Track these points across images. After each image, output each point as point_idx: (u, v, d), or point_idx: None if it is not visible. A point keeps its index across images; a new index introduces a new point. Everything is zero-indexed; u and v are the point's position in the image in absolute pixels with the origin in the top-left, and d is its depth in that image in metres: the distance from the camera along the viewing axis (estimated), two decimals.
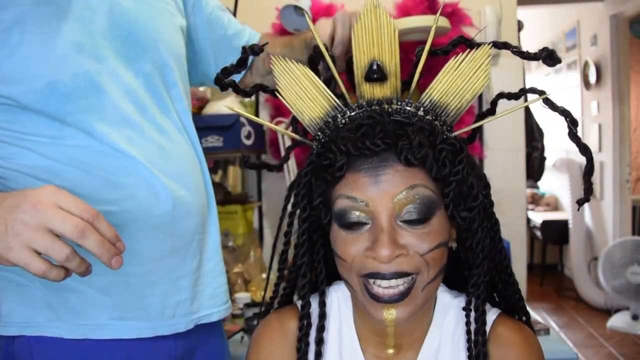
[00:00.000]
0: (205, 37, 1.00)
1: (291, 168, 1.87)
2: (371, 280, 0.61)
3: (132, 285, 0.77)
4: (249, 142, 1.94)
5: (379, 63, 0.64)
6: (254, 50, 0.68)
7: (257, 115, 2.21)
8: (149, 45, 0.80)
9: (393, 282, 0.60)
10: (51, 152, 0.72)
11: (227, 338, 1.51)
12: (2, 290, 0.74)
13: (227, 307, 0.92)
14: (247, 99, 2.15)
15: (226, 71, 0.68)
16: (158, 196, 0.77)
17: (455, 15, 2.07)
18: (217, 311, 0.89)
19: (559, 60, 0.62)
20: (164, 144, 0.80)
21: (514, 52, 0.64)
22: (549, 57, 0.61)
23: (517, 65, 2.27)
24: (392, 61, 0.64)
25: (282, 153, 1.95)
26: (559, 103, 0.63)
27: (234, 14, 1.95)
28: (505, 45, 0.64)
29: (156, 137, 0.79)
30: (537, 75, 5.29)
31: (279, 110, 2.11)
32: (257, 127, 2.03)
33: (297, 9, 1.95)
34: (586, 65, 4.15)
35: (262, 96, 2.19)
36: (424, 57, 0.65)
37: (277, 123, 1.94)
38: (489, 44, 0.63)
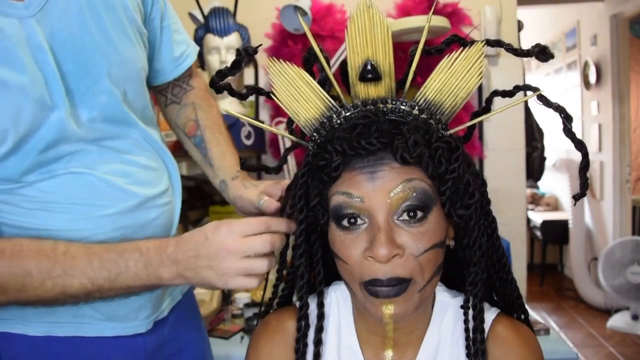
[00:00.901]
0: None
1: (291, 168, 1.87)
2: (370, 287, 0.62)
3: None
4: (249, 142, 1.94)
5: (373, 63, 0.63)
6: (247, 51, 0.68)
7: (256, 115, 2.21)
8: (100, 75, 0.77)
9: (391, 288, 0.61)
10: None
11: (226, 338, 1.53)
12: None
13: (176, 294, 0.94)
14: (247, 100, 2.15)
15: (220, 74, 0.68)
16: (123, 200, 0.79)
17: (455, 15, 2.08)
18: (169, 302, 0.91)
19: (551, 56, 0.62)
20: (126, 159, 0.81)
21: (507, 49, 0.64)
22: (541, 52, 0.61)
23: (517, 65, 2.27)
24: (386, 61, 0.64)
25: (282, 153, 1.95)
26: (558, 103, 0.63)
27: (234, 14, 1.95)
28: (498, 43, 0.64)
29: (117, 157, 0.80)
30: (537, 75, 5.29)
31: (279, 110, 2.11)
32: (257, 128, 2.03)
33: (297, 9, 1.95)
34: (586, 65, 4.15)
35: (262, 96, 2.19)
36: (417, 56, 0.65)
37: (277, 123, 1.94)
38: (482, 41, 0.63)
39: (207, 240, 0.69)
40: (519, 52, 0.64)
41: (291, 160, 1.87)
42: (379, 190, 0.60)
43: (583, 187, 0.63)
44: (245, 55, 0.68)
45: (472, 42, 0.63)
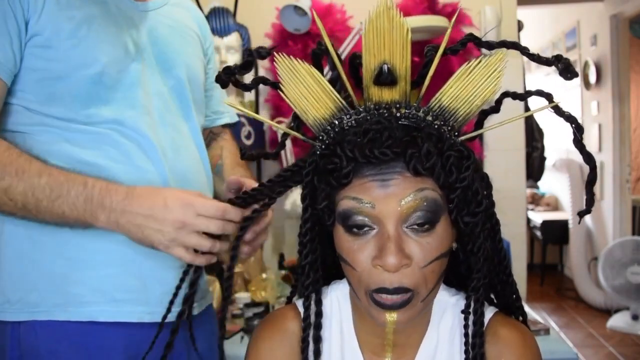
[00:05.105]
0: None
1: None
2: (376, 296, 0.61)
3: (134, 271, 0.84)
4: (249, 142, 1.94)
5: (389, 66, 0.61)
6: (260, 53, 0.68)
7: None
8: (175, 65, 0.95)
9: (396, 296, 0.60)
10: (80, 138, 0.83)
11: (226, 338, 1.53)
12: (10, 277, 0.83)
13: (206, 299, 1.00)
14: (247, 100, 2.15)
15: (229, 70, 0.68)
16: (158, 174, 0.87)
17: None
18: (198, 304, 0.95)
19: (575, 74, 0.59)
20: (177, 139, 0.91)
21: (524, 54, 0.62)
22: (566, 69, 0.59)
23: (517, 64, 2.27)
24: (402, 64, 0.62)
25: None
26: (570, 112, 0.61)
27: (234, 14, 1.95)
28: (514, 46, 0.62)
29: (171, 133, 0.90)
30: (537, 75, 5.28)
31: (279, 110, 2.11)
32: (257, 127, 2.03)
33: (297, 9, 1.95)
34: (586, 65, 4.14)
35: (262, 96, 2.19)
36: (436, 59, 0.63)
37: (277, 123, 1.94)
38: (503, 49, 0.61)
39: (167, 208, 0.75)
40: (536, 59, 0.61)
41: (291, 158, 1.86)
42: (390, 197, 0.59)
43: (589, 203, 0.62)
44: (257, 57, 0.68)
45: (488, 43, 0.61)
